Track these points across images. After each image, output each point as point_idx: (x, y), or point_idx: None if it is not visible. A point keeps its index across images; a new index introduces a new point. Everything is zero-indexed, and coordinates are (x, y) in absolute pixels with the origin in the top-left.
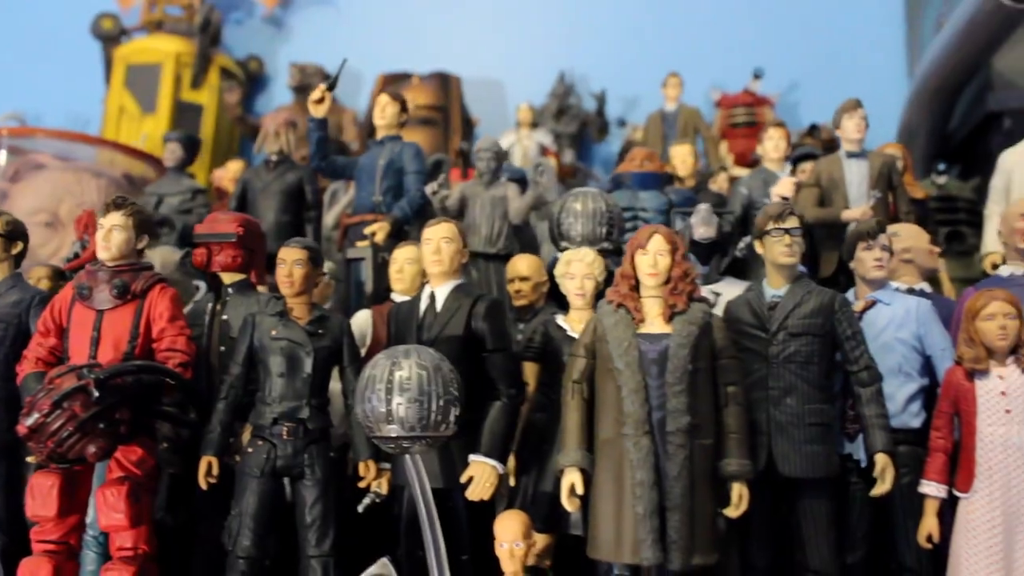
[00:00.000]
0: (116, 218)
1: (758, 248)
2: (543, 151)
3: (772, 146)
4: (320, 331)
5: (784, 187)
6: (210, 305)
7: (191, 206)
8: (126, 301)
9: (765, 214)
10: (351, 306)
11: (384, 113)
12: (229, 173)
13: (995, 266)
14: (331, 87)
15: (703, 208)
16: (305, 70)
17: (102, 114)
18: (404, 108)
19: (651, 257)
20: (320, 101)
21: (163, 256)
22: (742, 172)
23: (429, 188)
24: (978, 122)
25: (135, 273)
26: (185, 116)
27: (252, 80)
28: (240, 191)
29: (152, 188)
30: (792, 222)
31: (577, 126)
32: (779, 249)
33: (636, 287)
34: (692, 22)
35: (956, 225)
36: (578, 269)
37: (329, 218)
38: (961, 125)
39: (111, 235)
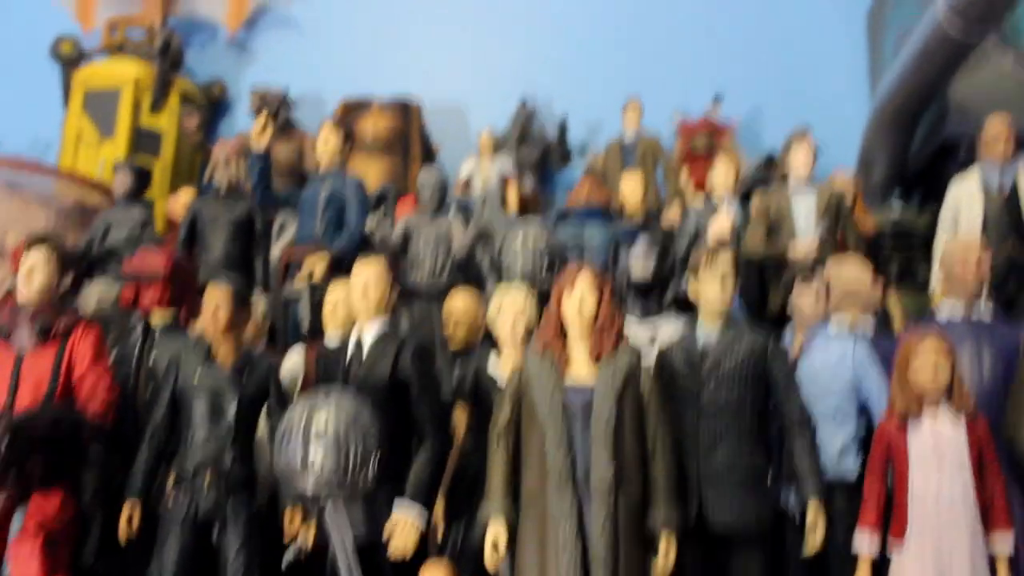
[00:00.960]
0: (37, 256)
1: (691, 291)
2: (504, 179)
3: (721, 177)
4: (245, 374)
5: (720, 226)
6: (137, 346)
7: (140, 236)
8: (47, 342)
9: (698, 254)
10: (288, 344)
11: (327, 144)
12: (180, 202)
13: None
14: (274, 115)
15: (642, 246)
16: (266, 96)
17: (60, 139)
18: (348, 138)
19: (577, 298)
20: (263, 131)
21: (100, 292)
22: (701, 201)
23: (371, 222)
24: (935, 149)
25: (57, 312)
26: (144, 142)
27: (214, 105)
28: (189, 221)
29: (100, 218)
30: (724, 264)
31: (539, 153)
32: (712, 290)
33: (563, 329)
34: (654, 47)
35: (911, 257)
36: (509, 309)
37: (276, 250)
38: (919, 151)
39: (32, 275)
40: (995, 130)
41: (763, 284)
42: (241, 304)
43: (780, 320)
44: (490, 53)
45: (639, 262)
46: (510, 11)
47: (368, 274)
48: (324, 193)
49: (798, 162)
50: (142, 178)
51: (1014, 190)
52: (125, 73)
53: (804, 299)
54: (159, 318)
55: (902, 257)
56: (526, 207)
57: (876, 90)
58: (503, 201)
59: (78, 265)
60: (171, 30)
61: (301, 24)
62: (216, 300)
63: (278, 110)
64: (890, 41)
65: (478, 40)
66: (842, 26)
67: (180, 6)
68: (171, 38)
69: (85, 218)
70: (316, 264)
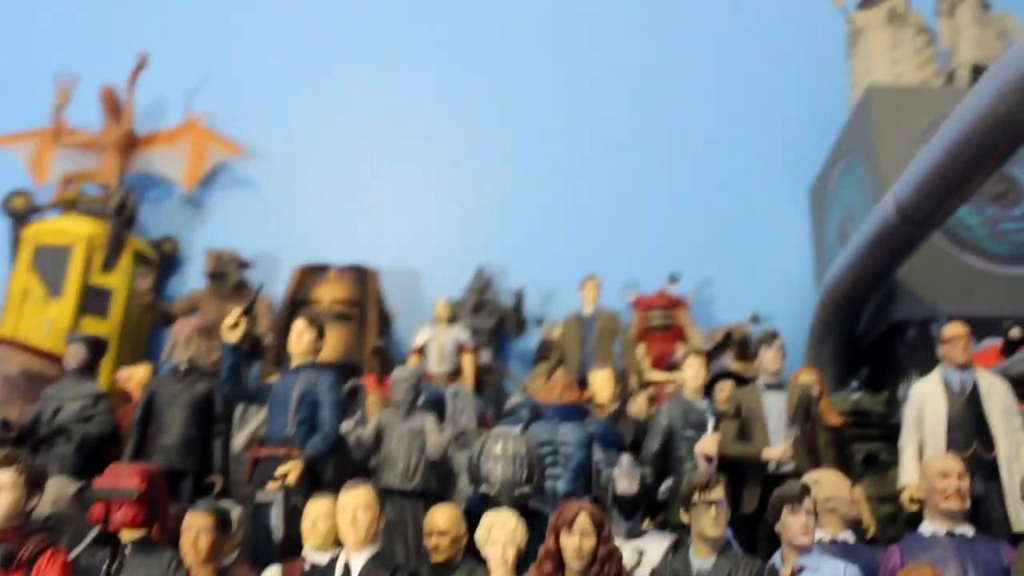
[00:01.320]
0: (5, 478)
1: (683, 517)
2: (460, 347)
3: (692, 375)
4: None
5: (707, 446)
6: (104, 566)
7: (92, 413)
8: (11, 570)
9: (690, 484)
10: (259, 553)
11: (300, 341)
12: (136, 378)
13: (912, 500)
14: (247, 312)
15: (625, 461)
16: (221, 257)
17: (4, 295)
18: (321, 334)
19: (576, 538)
20: (235, 326)
21: (57, 490)
22: (658, 375)
23: (345, 425)
24: (884, 330)
25: (23, 538)
26: (92, 301)
27: (166, 262)
28: (146, 401)
29: (50, 392)
30: (718, 493)
31: (495, 321)
32: (705, 521)
33: (561, 566)
34: (608, 219)
35: (871, 442)
36: (500, 535)
37: (240, 438)
38: (867, 331)
39: None
40: (953, 334)
41: (736, 483)
42: (222, 531)
43: (753, 520)
44: (447, 219)
45: (624, 477)
46: (467, 179)
47: (357, 501)
48: (297, 390)
49: (768, 362)
50: (96, 351)
51: (975, 390)
52: (78, 231)
53: (794, 525)
54: (129, 536)
55: (864, 444)
56: (481, 377)
57: (820, 265)
58: (459, 370)
59: (42, 483)
60: (128, 189)
61: (257, 184)
62: (198, 528)
63: (250, 307)
64: (833, 220)
65: (435, 206)
66: (787, 202)
67: (137, 163)
68: (127, 197)
69: (31, 385)
70: (290, 470)
